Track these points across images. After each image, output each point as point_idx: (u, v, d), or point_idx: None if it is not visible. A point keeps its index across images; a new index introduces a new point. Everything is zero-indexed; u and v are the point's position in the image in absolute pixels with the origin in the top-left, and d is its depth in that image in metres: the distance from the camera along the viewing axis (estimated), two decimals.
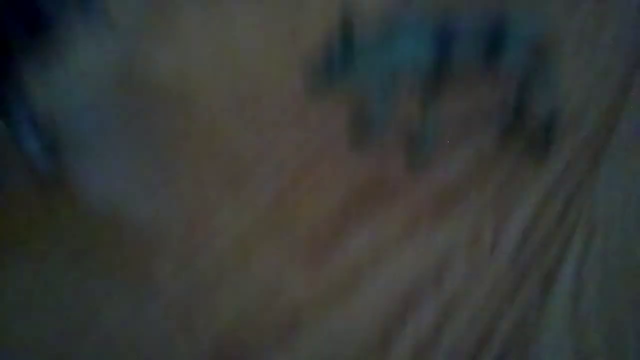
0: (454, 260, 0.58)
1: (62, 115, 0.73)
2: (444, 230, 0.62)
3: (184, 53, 0.90)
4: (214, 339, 0.52)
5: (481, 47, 0.60)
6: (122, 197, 0.65)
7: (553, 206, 0.64)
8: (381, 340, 0.53)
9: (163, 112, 0.79)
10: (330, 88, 0.62)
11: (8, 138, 0.64)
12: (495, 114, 0.74)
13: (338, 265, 0.58)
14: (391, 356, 0.52)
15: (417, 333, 0.54)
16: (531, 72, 0.62)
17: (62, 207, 0.64)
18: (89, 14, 0.58)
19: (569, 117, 0.74)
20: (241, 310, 0.54)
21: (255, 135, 0.74)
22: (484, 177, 0.69)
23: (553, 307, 0.55)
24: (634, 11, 0.92)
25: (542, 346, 0.51)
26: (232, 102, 0.81)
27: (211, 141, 0.73)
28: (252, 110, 0.78)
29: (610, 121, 0.76)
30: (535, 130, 0.69)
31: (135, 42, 0.84)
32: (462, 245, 0.60)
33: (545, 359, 0.50)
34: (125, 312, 0.52)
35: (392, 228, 0.63)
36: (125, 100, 0.81)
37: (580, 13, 0.88)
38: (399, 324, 0.54)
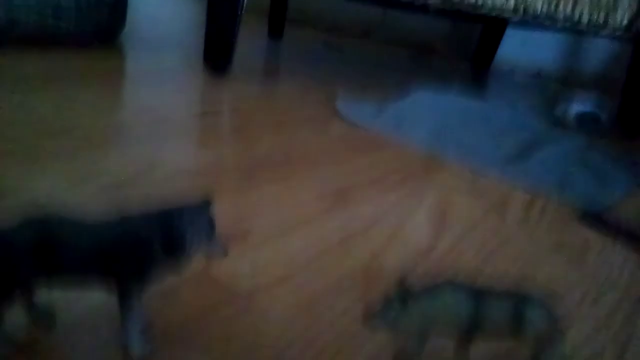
0: None
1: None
2: None
3: (255, 262, 1.11)
4: None
5: (505, 316, 0.78)
6: None
7: None
8: None
9: (231, 310, 0.95)
10: (384, 327, 0.81)
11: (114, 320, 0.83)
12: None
13: None
14: None
15: None
16: (545, 342, 0.82)
17: None
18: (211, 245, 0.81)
19: None
20: None
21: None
22: None
23: None
24: None
25: None
26: (291, 316, 0.97)
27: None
28: (307, 324, 0.94)
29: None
30: None
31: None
32: None
33: None
34: None
35: None
36: (200, 294, 0.98)
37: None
38: None
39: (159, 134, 1.75)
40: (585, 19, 2.26)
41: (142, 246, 0.76)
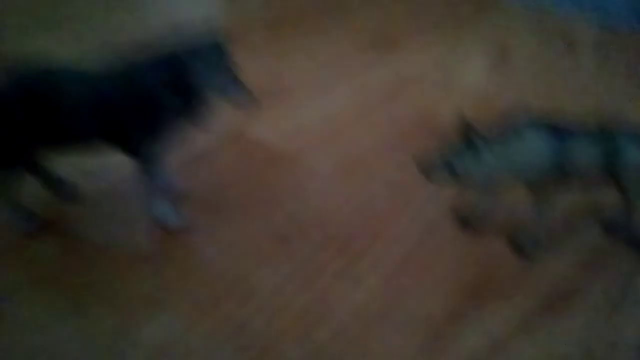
0: None
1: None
2: (559, 329, 0.62)
3: (296, 121, 0.97)
4: None
5: (596, 154, 0.64)
6: (242, 259, 0.69)
7: None
8: None
9: (274, 172, 0.84)
10: (449, 180, 0.66)
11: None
12: (602, 213, 0.77)
13: (454, 357, 0.58)
14: None
15: None
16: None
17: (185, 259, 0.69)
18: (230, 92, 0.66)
19: None
20: None
21: (364, 212, 0.77)
22: (593, 274, 0.69)
23: None
24: None
25: None
26: (340, 172, 0.85)
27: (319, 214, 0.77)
28: (359, 183, 0.83)
29: None
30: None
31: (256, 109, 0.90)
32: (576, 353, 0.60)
33: None
34: None
35: (507, 322, 0.62)
36: (240, 157, 0.87)
37: None
38: None
39: None
40: None
41: (149, 92, 0.63)
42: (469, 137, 0.65)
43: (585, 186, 0.70)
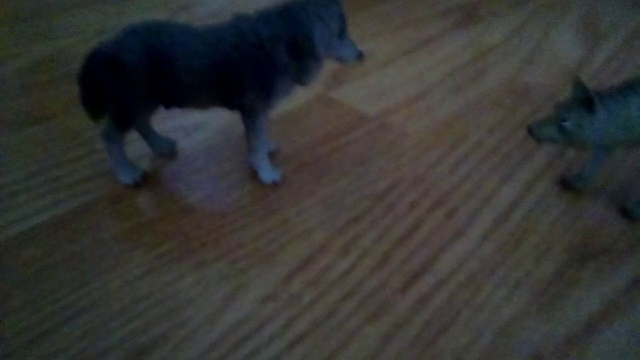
0: None
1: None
2: None
3: (379, 84, 0.96)
4: None
5: None
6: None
7: None
8: None
9: (362, 133, 0.84)
10: (555, 141, 0.64)
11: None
12: None
13: (571, 318, 0.56)
14: None
15: None
16: None
17: None
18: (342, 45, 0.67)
19: None
20: (479, 349, 0.53)
21: (457, 171, 0.76)
22: None
23: None
24: None
25: None
26: (428, 133, 0.84)
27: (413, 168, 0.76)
28: (449, 144, 0.81)
29: None
30: None
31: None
32: None
33: None
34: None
35: (618, 282, 0.60)
36: (327, 117, 0.87)
37: None
38: None
39: None
40: None
41: (264, 51, 0.64)
42: (582, 92, 0.62)
43: None
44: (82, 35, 1.13)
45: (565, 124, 0.62)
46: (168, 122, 0.86)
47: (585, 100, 0.61)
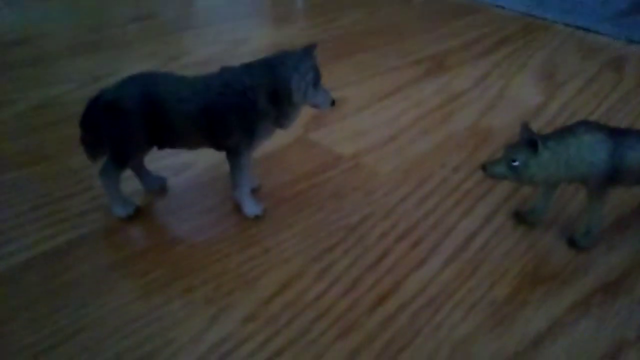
0: (625, 353, 0.61)
1: None
2: (621, 311, 0.67)
3: (353, 127, 1.06)
4: None
5: None
6: None
7: None
8: None
9: (337, 171, 0.92)
10: (506, 177, 0.72)
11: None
12: None
13: (520, 336, 0.63)
14: None
15: None
16: None
17: None
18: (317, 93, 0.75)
19: None
20: None
21: (423, 206, 0.84)
22: None
23: None
24: None
25: None
26: (398, 172, 0.93)
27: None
28: (417, 181, 0.90)
29: None
30: None
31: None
32: (631, 342, 0.63)
33: None
34: None
35: (563, 304, 0.68)
36: (305, 157, 0.95)
37: None
38: None
39: (238, 14, 1.70)
40: None
41: (247, 98, 0.72)
42: (528, 136, 0.70)
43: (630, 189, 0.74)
44: (77, 83, 1.22)
45: (514, 163, 0.70)
46: (160, 161, 0.93)
47: (530, 142, 0.70)
